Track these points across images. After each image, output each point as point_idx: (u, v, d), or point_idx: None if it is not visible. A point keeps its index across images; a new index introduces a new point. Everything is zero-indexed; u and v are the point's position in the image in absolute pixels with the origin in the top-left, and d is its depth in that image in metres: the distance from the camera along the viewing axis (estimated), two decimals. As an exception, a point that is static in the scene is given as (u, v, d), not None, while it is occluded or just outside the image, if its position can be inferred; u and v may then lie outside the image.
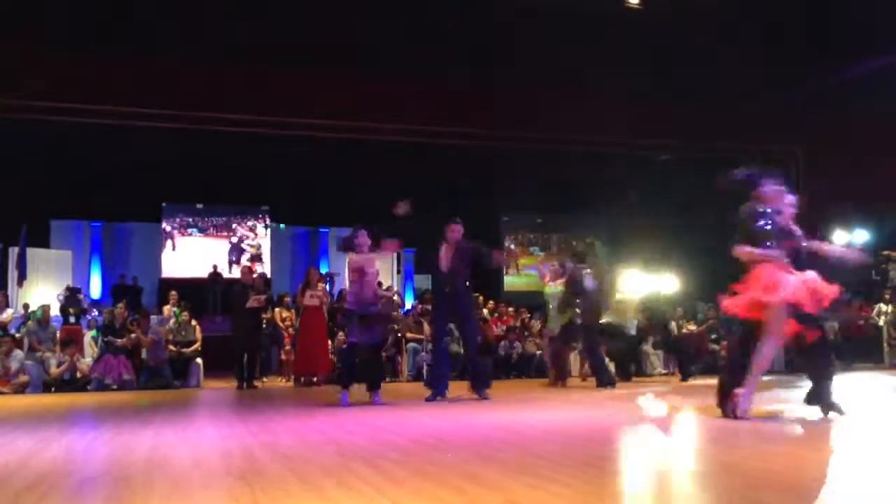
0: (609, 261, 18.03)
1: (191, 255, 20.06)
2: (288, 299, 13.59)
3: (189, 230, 20.36)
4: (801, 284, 5.62)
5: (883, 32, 12.80)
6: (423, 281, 17.61)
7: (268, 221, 20.57)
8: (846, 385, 9.98)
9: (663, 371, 13.50)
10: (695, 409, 7.02)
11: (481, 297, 14.12)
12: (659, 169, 17.16)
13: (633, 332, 12.96)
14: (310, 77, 14.17)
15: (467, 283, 8.61)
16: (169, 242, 20.00)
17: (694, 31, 13.15)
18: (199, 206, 20.34)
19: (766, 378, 6.28)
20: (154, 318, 12.83)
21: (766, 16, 12.98)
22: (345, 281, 8.81)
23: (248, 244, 20.51)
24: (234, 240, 20.50)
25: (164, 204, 19.85)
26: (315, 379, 11.63)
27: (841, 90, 14.89)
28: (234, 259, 20.07)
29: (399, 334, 12.78)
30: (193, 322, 12.55)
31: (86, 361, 11.71)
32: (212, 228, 20.53)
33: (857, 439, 5.01)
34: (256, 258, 20.17)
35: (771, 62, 14.38)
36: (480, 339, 13.11)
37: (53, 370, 11.31)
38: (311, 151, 15.82)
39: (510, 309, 14.82)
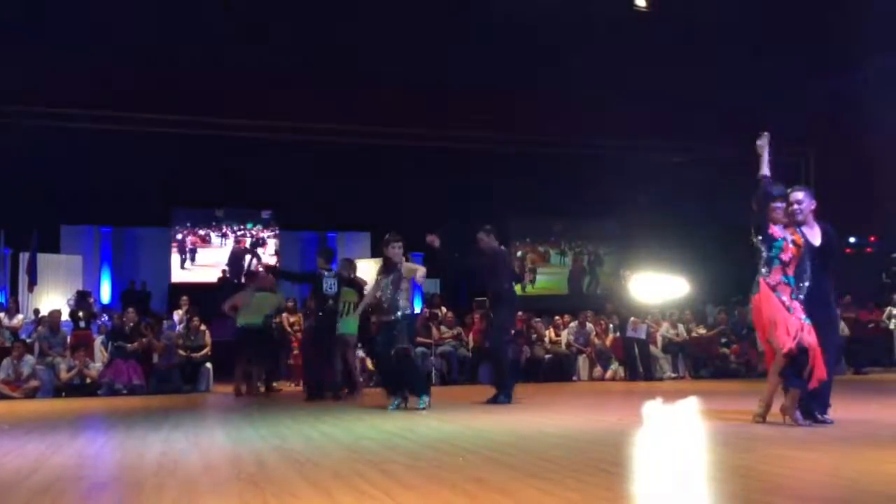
0: (620, 265, 17.99)
1: (200, 259, 20.10)
2: (290, 304, 13.56)
3: (198, 235, 20.40)
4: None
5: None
6: (432, 286, 17.57)
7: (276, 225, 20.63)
8: (860, 388, 9.95)
9: (672, 374, 13.46)
10: (705, 413, 6.99)
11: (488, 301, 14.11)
12: (671, 172, 17.13)
13: (643, 336, 12.96)
14: (315, 84, 14.24)
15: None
16: (178, 248, 20.04)
17: (703, 32, 13.15)
18: (208, 210, 20.37)
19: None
20: (164, 324, 12.86)
21: (777, 18, 12.97)
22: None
23: (259, 249, 20.53)
24: (243, 244, 20.52)
25: (173, 209, 19.90)
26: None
27: (852, 92, 14.85)
28: (243, 263, 20.03)
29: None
30: (203, 327, 12.57)
31: (95, 366, 11.74)
32: (221, 233, 20.56)
33: (870, 444, 4.98)
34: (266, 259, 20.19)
35: (782, 64, 14.35)
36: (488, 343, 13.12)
37: (64, 375, 11.34)
38: (318, 156, 15.84)
39: (519, 313, 14.77)
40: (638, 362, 12.83)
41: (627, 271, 14.13)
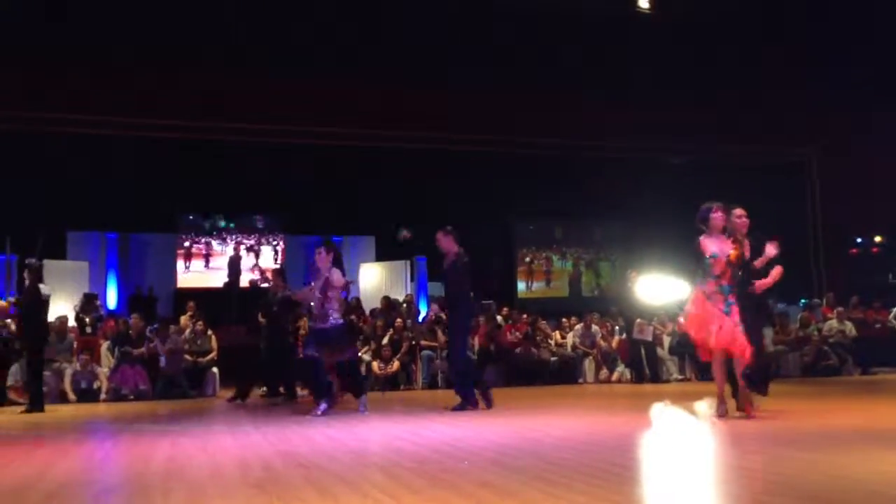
0: (624, 266, 17.96)
1: (207, 264, 20.15)
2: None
3: (205, 240, 20.43)
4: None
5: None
6: (437, 289, 17.57)
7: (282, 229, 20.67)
8: (866, 388, 9.92)
9: (679, 377, 13.42)
10: (709, 414, 6.98)
11: (494, 304, 14.15)
12: (674, 173, 17.11)
13: (649, 338, 12.92)
14: (318, 87, 14.25)
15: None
16: (185, 253, 20.09)
17: (704, 32, 13.16)
18: (214, 215, 20.41)
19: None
20: (170, 327, 12.85)
21: (781, 17, 12.98)
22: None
23: (266, 252, 20.55)
24: (249, 249, 20.54)
25: (179, 215, 19.95)
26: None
27: (857, 92, 14.83)
28: (240, 270, 20.01)
29: (414, 342, 12.78)
30: (209, 332, 12.58)
31: (103, 371, 11.75)
32: (221, 239, 20.57)
33: (873, 444, 4.96)
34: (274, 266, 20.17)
35: (785, 64, 14.34)
36: (494, 346, 13.12)
37: (70, 381, 11.34)
38: (322, 161, 15.87)
39: (524, 316, 14.78)
40: (644, 364, 12.79)
41: (633, 273, 14.09)
